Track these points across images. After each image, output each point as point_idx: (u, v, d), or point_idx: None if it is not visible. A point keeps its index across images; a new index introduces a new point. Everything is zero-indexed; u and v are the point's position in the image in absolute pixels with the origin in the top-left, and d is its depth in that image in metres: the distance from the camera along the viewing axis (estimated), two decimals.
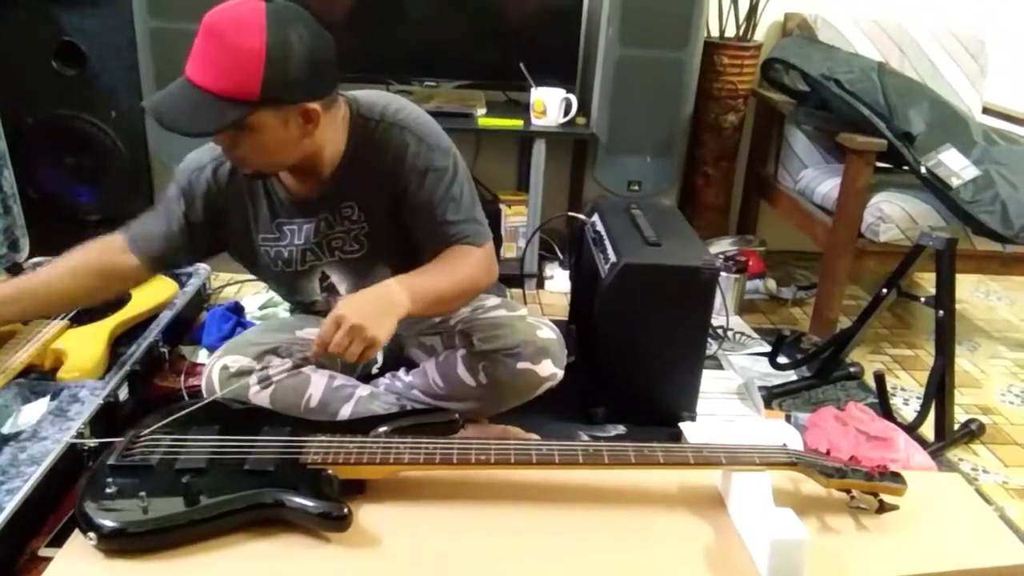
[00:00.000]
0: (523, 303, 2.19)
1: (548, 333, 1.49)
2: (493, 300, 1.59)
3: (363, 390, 1.53)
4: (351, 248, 1.47)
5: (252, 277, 2.35)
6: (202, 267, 2.12)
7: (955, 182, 2.02)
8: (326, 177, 1.41)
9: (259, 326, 1.62)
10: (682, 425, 1.71)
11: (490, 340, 1.47)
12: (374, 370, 1.65)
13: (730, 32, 2.64)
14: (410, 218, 1.42)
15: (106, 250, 1.49)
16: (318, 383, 1.49)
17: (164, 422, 1.31)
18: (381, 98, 1.43)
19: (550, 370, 1.48)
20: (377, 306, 1.26)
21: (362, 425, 1.37)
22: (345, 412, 1.49)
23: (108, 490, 1.16)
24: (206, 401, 1.40)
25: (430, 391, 1.54)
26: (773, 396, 1.91)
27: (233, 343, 1.53)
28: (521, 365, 1.46)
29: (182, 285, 2.02)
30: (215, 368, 1.47)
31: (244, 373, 1.46)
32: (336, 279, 1.52)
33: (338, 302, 1.30)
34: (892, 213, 2.10)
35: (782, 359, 2.02)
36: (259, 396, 1.46)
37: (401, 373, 1.61)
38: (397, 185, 1.40)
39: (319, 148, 1.35)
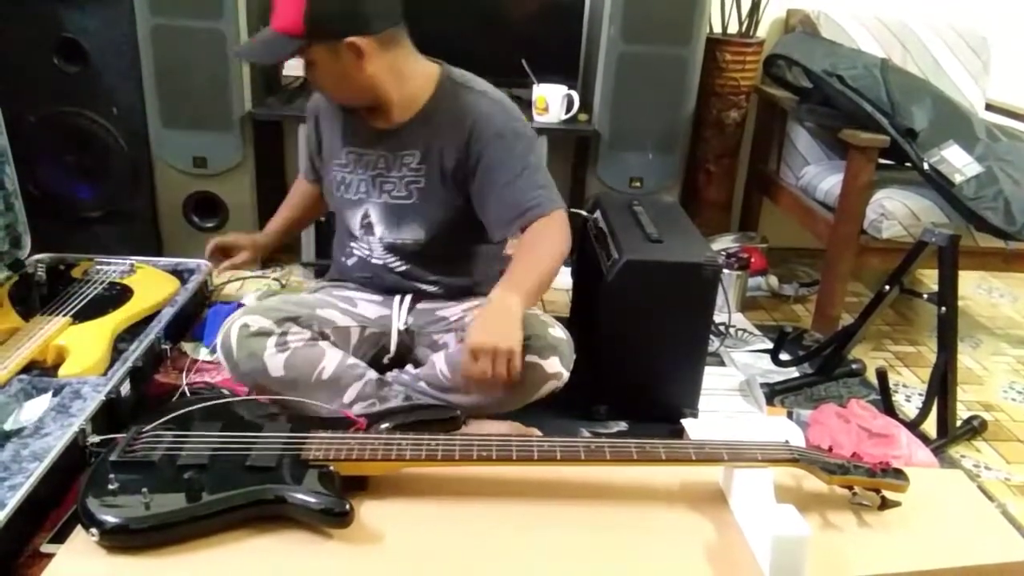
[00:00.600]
0: None
1: (559, 333, 1.51)
2: None
3: (373, 373, 1.56)
4: (399, 194, 1.57)
5: (253, 274, 2.37)
6: (203, 264, 2.12)
7: (958, 178, 2.01)
8: (398, 121, 1.53)
9: (281, 297, 1.66)
10: (684, 422, 1.71)
11: None
12: (385, 360, 1.65)
13: (732, 28, 2.64)
14: (483, 181, 1.51)
15: (303, 186, 1.81)
16: (332, 357, 1.53)
17: (166, 418, 1.32)
18: (471, 75, 1.59)
19: (556, 368, 1.48)
20: (498, 320, 1.35)
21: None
22: (353, 391, 1.51)
23: (110, 486, 1.16)
24: (208, 404, 1.41)
25: (436, 382, 1.54)
26: (775, 393, 1.91)
27: (255, 306, 1.57)
28: (529, 358, 1.45)
29: (184, 282, 2.02)
30: (235, 326, 1.49)
31: (263, 334, 1.49)
32: (375, 219, 1.60)
33: (469, 334, 1.35)
34: (894, 210, 2.09)
35: (784, 356, 2.02)
36: (274, 359, 1.48)
37: (409, 368, 1.62)
38: (473, 149, 1.50)
39: (381, 87, 1.48)
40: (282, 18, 1.41)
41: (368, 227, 1.61)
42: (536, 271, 1.44)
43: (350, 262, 1.68)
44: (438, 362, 1.55)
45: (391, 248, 1.62)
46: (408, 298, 1.65)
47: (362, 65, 1.43)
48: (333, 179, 1.62)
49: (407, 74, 1.51)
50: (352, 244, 1.66)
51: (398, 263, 1.63)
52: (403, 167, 1.55)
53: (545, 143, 2.39)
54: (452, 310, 1.64)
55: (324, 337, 1.56)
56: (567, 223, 1.51)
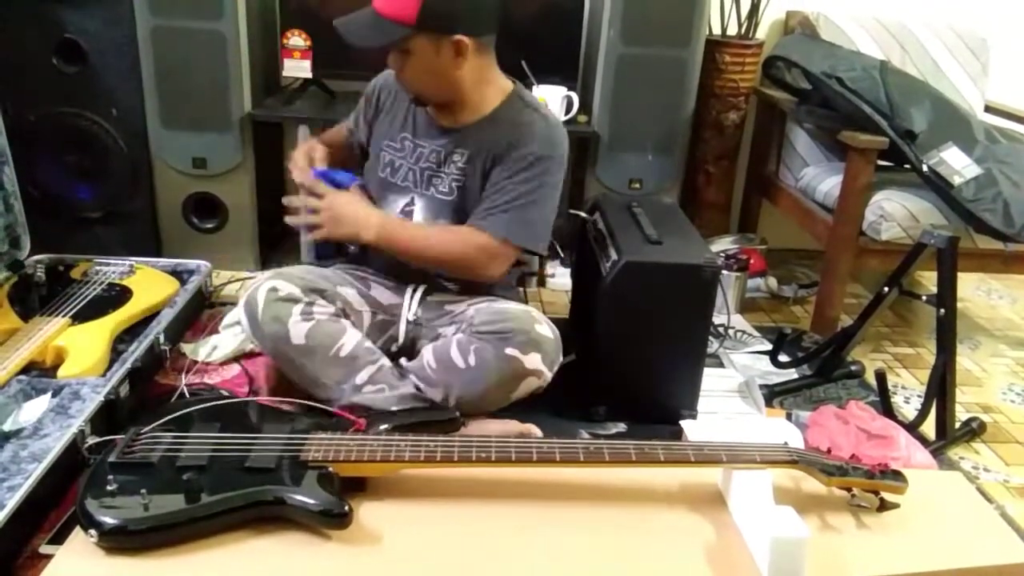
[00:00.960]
0: (524, 301, 2.19)
1: (546, 330, 1.51)
2: (511, 301, 1.64)
3: (387, 362, 1.58)
4: (443, 190, 1.61)
5: (253, 274, 2.36)
6: (203, 265, 2.12)
7: (957, 180, 2.02)
8: (464, 121, 1.59)
9: (305, 267, 1.67)
10: (683, 423, 1.71)
11: (488, 323, 1.51)
12: (393, 348, 1.66)
13: (732, 30, 2.64)
14: (491, 181, 1.57)
15: (343, 130, 1.83)
16: (353, 336, 1.56)
17: (165, 419, 1.32)
18: (545, 105, 1.65)
19: (536, 364, 1.49)
20: (351, 222, 1.55)
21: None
22: (365, 375, 1.53)
23: (109, 487, 1.16)
24: (207, 405, 1.41)
25: (422, 373, 1.55)
26: (774, 394, 1.91)
27: (283, 271, 1.59)
28: (509, 351, 1.47)
29: (183, 283, 2.02)
30: (262, 287, 1.52)
31: (291, 300, 1.52)
32: (418, 210, 1.64)
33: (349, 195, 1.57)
34: (893, 211, 2.09)
35: (783, 357, 2.02)
36: (298, 327, 1.51)
37: (402, 360, 1.63)
38: (506, 155, 1.56)
39: (464, 89, 1.54)
40: (392, 4, 1.43)
41: (408, 214, 1.65)
42: (413, 244, 1.58)
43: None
44: (426, 353, 1.56)
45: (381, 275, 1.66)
46: (421, 289, 1.67)
47: (459, 64, 1.48)
48: (381, 158, 1.67)
49: (487, 82, 1.58)
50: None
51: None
52: (451, 164, 1.60)
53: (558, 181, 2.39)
54: (459, 305, 1.64)
55: (346, 315, 1.60)
56: (498, 256, 1.57)
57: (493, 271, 1.58)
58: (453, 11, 1.45)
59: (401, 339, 1.66)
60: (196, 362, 1.81)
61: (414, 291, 1.67)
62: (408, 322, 1.65)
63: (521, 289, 1.64)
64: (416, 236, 1.59)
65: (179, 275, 2.07)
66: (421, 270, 1.66)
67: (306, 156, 1.67)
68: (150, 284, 1.97)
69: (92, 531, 1.11)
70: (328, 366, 1.52)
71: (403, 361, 1.62)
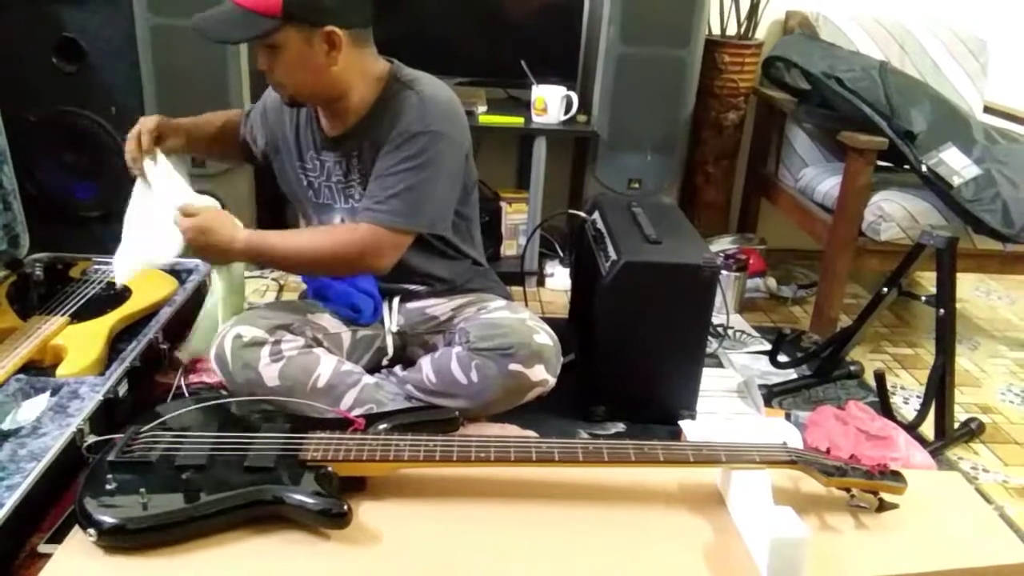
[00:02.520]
0: (523, 301, 2.20)
1: (545, 339, 1.50)
2: (498, 302, 1.62)
3: (369, 378, 1.55)
4: (360, 198, 1.54)
5: (252, 274, 2.36)
6: (202, 264, 2.12)
7: (956, 181, 2.02)
8: (350, 123, 1.50)
9: (271, 304, 1.66)
10: (682, 423, 1.71)
11: (486, 339, 1.49)
12: (384, 361, 1.65)
13: (731, 30, 2.64)
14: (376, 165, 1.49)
15: (232, 120, 1.73)
16: (327, 364, 1.51)
17: (164, 418, 1.31)
18: (424, 75, 1.53)
19: (541, 375, 1.48)
20: (218, 245, 1.45)
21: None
22: (350, 398, 1.50)
23: (108, 486, 1.16)
24: (206, 404, 1.41)
25: (422, 386, 1.54)
26: (773, 394, 1.91)
27: (246, 315, 1.55)
28: (513, 367, 1.46)
29: (182, 282, 2.01)
30: (228, 336, 1.48)
31: (257, 344, 1.48)
32: (347, 223, 1.57)
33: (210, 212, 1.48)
34: (893, 212, 2.09)
35: (782, 357, 2.02)
36: (269, 369, 1.47)
37: (397, 369, 1.62)
38: (382, 144, 1.47)
39: (346, 86, 1.45)
40: None
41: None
42: (286, 252, 1.48)
43: None
44: (425, 366, 1.55)
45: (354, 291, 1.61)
46: (396, 300, 1.65)
47: (333, 58, 1.40)
48: (300, 183, 1.61)
49: (367, 76, 1.48)
50: None
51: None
52: (355, 171, 1.53)
53: (544, 144, 2.40)
54: (441, 308, 1.64)
55: (318, 343, 1.55)
56: (384, 246, 1.45)
57: (381, 263, 1.46)
58: (323, 1, 1.36)
59: (391, 352, 1.64)
60: (196, 361, 1.80)
61: (390, 303, 1.64)
62: (393, 334, 1.63)
63: (521, 288, 1.62)
64: (287, 242, 1.48)
65: (177, 274, 2.06)
66: (385, 283, 1.61)
67: (136, 142, 1.59)
68: (149, 283, 1.97)
69: (91, 530, 1.11)
70: (310, 399, 1.48)
71: (398, 370, 1.62)
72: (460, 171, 1.53)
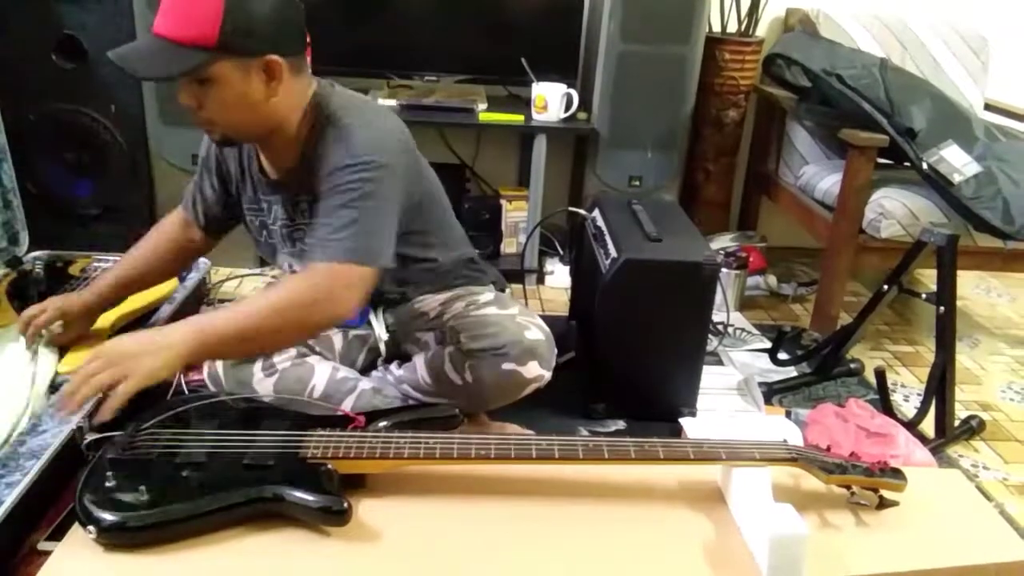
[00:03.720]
0: (523, 298, 2.19)
1: (537, 334, 1.47)
2: (487, 296, 1.57)
3: (366, 384, 1.54)
4: (303, 240, 1.44)
5: (252, 272, 2.36)
6: (202, 261, 2.12)
7: (957, 178, 2.01)
8: (286, 165, 1.39)
9: None
10: (682, 421, 1.71)
11: (477, 339, 1.47)
12: (379, 363, 1.65)
13: (732, 27, 2.64)
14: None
15: (173, 229, 1.59)
16: (322, 374, 1.49)
17: (164, 416, 1.31)
18: (341, 97, 1.39)
19: (536, 372, 1.47)
20: (144, 345, 1.20)
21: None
22: (347, 405, 1.49)
23: (108, 484, 1.16)
24: (210, 400, 1.40)
25: (419, 387, 1.54)
26: (773, 392, 1.91)
27: None
28: (507, 366, 1.45)
29: (182, 280, 2.01)
30: None
31: (248, 361, 1.47)
32: (298, 269, 1.47)
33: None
34: (893, 209, 2.09)
35: (782, 355, 2.02)
36: (263, 384, 1.46)
37: (393, 367, 1.61)
38: (323, 187, 1.34)
39: (283, 119, 1.32)
40: (186, 25, 1.20)
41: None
42: (246, 323, 1.24)
43: None
44: (419, 366, 1.55)
45: None
46: (380, 308, 1.63)
47: (273, 89, 1.28)
48: (252, 223, 1.52)
49: (301, 107, 1.35)
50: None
51: None
52: (302, 213, 1.42)
53: (544, 142, 2.40)
54: (429, 304, 1.60)
55: (311, 350, 1.54)
56: (351, 284, 1.28)
57: (347, 305, 1.28)
58: (259, 27, 1.22)
59: (384, 353, 1.63)
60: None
61: (375, 311, 1.62)
62: (383, 340, 1.61)
63: (521, 286, 1.60)
64: (238, 314, 1.25)
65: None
66: (377, 297, 1.56)
67: (34, 321, 1.46)
68: None
69: (91, 528, 1.11)
70: (309, 404, 1.46)
71: (395, 368, 1.61)
72: (399, 197, 1.37)
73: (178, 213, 1.60)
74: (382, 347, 1.62)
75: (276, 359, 1.47)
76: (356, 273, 1.28)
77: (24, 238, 2.03)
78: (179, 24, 1.21)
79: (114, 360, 1.17)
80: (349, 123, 1.34)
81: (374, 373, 1.61)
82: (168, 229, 1.60)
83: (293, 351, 1.50)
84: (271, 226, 1.50)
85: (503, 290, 1.70)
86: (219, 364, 1.46)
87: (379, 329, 1.61)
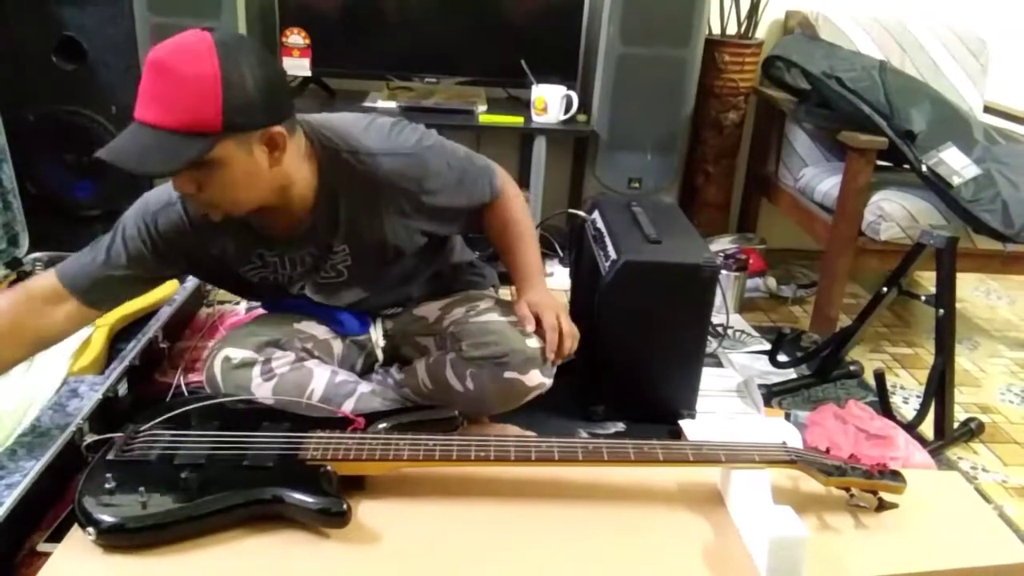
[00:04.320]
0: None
1: (538, 342, 1.46)
2: (487, 301, 1.58)
3: (364, 387, 1.53)
4: (328, 275, 1.48)
5: None
6: None
7: (956, 181, 2.02)
8: (303, 215, 1.36)
9: (257, 318, 1.61)
10: (682, 423, 1.71)
11: (478, 347, 1.46)
12: (376, 367, 1.65)
13: (731, 30, 2.64)
14: (442, 213, 1.47)
15: (32, 310, 1.34)
16: (320, 377, 1.49)
17: (163, 417, 1.31)
18: (337, 125, 1.37)
19: (538, 380, 1.46)
20: (551, 295, 1.49)
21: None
22: (347, 408, 1.49)
23: (107, 485, 1.16)
24: (210, 402, 1.40)
25: (419, 391, 1.54)
26: (773, 394, 1.91)
27: (233, 334, 1.52)
28: (508, 374, 1.45)
29: (181, 281, 2.01)
30: (217, 359, 1.46)
31: (247, 365, 1.46)
32: (309, 292, 1.51)
33: (537, 308, 1.45)
34: (893, 211, 2.09)
35: (782, 357, 2.02)
36: (261, 388, 1.45)
37: (393, 370, 1.61)
38: (409, 206, 1.41)
39: (289, 181, 1.29)
40: (183, 111, 1.13)
41: (303, 296, 1.53)
42: (535, 251, 1.54)
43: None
44: (420, 371, 1.54)
45: (335, 308, 1.57)
46: (380, 318, 1.64)
47: (277, 157, 1.23)
48: (246, 279, 1.47)
49: (302, 159, 1.30)
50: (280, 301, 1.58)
51: (350, 309, 1.60)
52: (332, 255, 1.44)
53: (544, 143, 2.40)
54: (429, 308, 1.61)
55: (309, 354, 1.53)
56: (509, 179, 1.56)
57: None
58: (258, 101, 1.16)
59: (381, 359, 1.63)
60: (195, 359, 1.80)
61: (373, 320, 1.62)
62: (381, 347, 1.62)
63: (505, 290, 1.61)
64: (530, 245, 1.56)
65: None
66: (364, 315, 1.60)
67: None
68: None
69: (90, 529, 1.11)
70: (308, 407, 1.46)
71: (395, 372, 1.61)
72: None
73: (43, 290, 1.35)
74: (379, 352, 1.62)
75: (274, 364, 1.47)
76: (502, 172, 1.56)
77: (24, 239, 2.03)
78: (175, 111, 1.13)
79: (559, 309, 1.46)
80: (371, 144, 1.36)
81: (373, 376, 1.61)
82: (23, 313, 1.34)
83: (292, 355, 1.50)
84: (280, 276, 1.46)
85: (495, 293, 1.71)
86: (217, 369, 1.45)
87: (376, 336, 1.62)
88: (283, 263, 1.44)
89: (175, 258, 1.39)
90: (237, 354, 1.46)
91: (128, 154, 1.16)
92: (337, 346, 1.59)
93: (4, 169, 1.97)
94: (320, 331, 1.57)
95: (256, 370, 1.46)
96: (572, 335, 1.46)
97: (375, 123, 1.41)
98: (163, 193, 1.37)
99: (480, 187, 1.50)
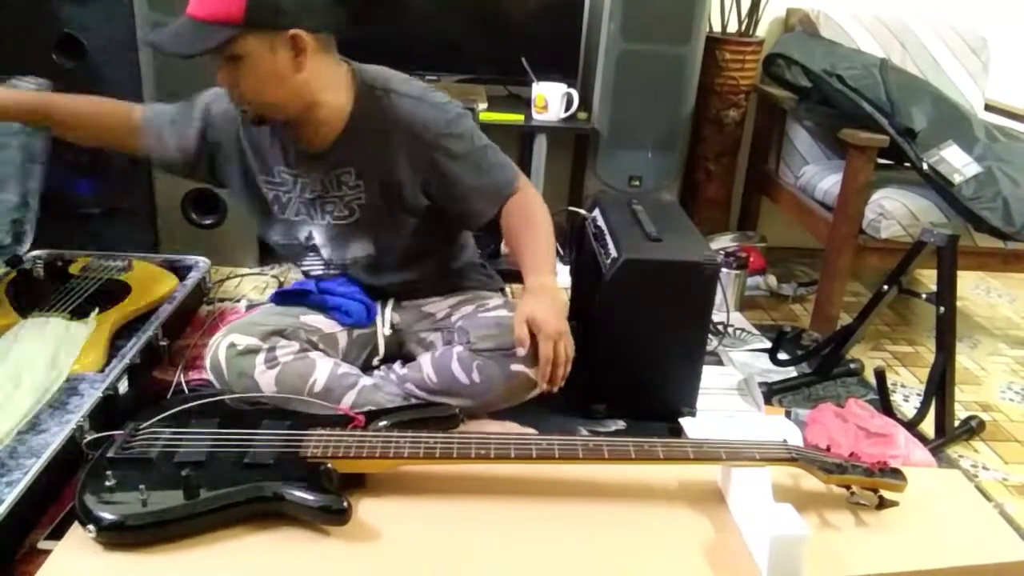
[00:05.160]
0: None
1: (532, 372, 1.46)
2: (496, 299, 1.61)
3: (367, 380, 1.54)
4: (341, 214, 1.51)
5: (252, 271, 2.36)
6: (202, 261, 2.12)
7: (957, 179, 2.01)
8: (328, 138, 1.44)
9: (264, 309, 1.63)
10: (682, 421, 1.71)
11: (488, 339, 1.48)
12: (375, 362, 1.65)
13: (732, 27, 2.64)
14: (451, 182, 1.48)
15: (121, 118, 1.54)
16: (323, 368, 1.50)
17: (163, 415, 1.31)
18: (384, 71, 1.48)
19: None
20: (558, 313, 1.39)
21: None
22: (348, 400, 1.49)
23: (107, 483, 1.16)
24: (210, 399, 1.40)
25: (423, 385, 1.54)
26: (773, 392, 1.91)
27: (239, 323, 1.54)
28: (515, 367, 1.46)
29: (182, 279, 2.01)
30: (222, 345, 1.47)
31: (251, 352, 1.47)
32: (319, 241, 1.55)
33: (537, 325, 1.36)
34: (893, 209, 2.09)
35: (782, 355, 2.02)
36: (264, 376, 1.46)
37: (396, 366, 1.62)
38: (423, 157, 1.46)
39: (316, 96, 1.38)
40: (213, 3, 1.27)
41: (313, 248, 1.58)
42: (548, 244, 1.49)
43: (312, 275, 1.65)
44: (425, 365, 1.55)
45: (344, 268, 1.61)
46: (390, 301, 1.65)
47: (299, 64, 1.33)
48: (263, 197, 1.55)
49: (337, 84, 1.42)
50: (304, 261, 1.63)
51: (358, 276, 1.62)
52: (342, 186, 1.49)
53: (544, 141, 2.40)
54: (438, 305, 1.63)
55: (313, 346, 1.54)
56: (530, 183, 1.57)
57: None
58: (283, 2, 1.28)
59: (382, 352, 1.64)
60: (196, 357, 1.80)
61: (383, 305, 1.64)
62: (386, 336, 1.63)
63: (521, 285, 1.62)
64: (546, 243, 1.51)
65: (178, 271, 2.06)
66: (372, 289, 1.62)
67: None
68: (149, 280, 1.97)
69: (90, 526, 1.11)
70: (307, 403, 1.47)
71: (398, 367, 1.61)
72: None
73: (134, 116, 1.54)
74: (381, 343, 1.62)
75: (279, 352, 1.48)
76: (522, 174, 1.56)
77: (29, 239, 2.03)
78: (206, 2, 1.27)
79: (561, 335, 1.37)
80: (412, 90, 1.46)
81: (376, 372, 1.62)
82: (114, 114, 1.55)
83: (296, 345, 1.51)
84: (291, 198, 1.53)
85: (504, 293, 1.72)
86: (222, 355, 1.46)
87: (383, 327, 1.62)
88: (295, 183, 1.51)
89: (216, 144, 1.52)
90: (242, 341, 1.47)
91: (161, 36, 1.33)
92: (343, 340, 1.60)
93: (37, 171, 1.98)
94: (326, 325, 1.58)
95: (260, 357, 1.47)
96: (567, 359, 1.39)
97: (419, 83, 1.50)
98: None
99: (497, 176, 1.51)
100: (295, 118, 1.41)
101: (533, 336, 1.38)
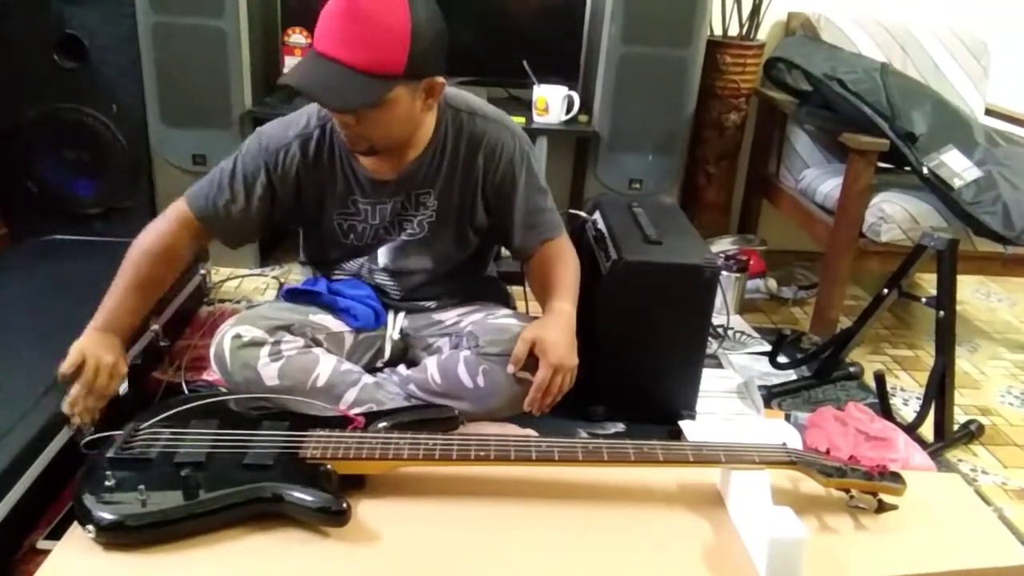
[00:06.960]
0: (524, 300, 2.19)
1: (520, 391, 1.47)
2: (506, 311, 1.63)
3: (369, 378, 1.55)
4: (413, 231, 1.55)
5: (252, 272, 2.36)
6: (202, 261, 2.12)
7: (957, 183, 2.02)
8: (408, 160, 1.46)
9: (272, 304, 1.64)
10: (682, 423, 1.71)
11: (495, 344, 1.49)
12: (379, 364, 1.65)
13: (733, 31, 2.64)
14: (505, 207, 1.54)
15: (176, 235, 1.45)
16: (327, 364, 1.50)
17: (164, 415, 1.31)
18: (460, 92, 1.52)
19: None
20: (568, 345, 1.42)
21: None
22: (349, 397, 1.50)
23: (107, 483, 1.16)
24: (210, 400, 1.40)
25: (426, 386, 1.54)
26: (773, 395, 1.91)
27: (246, 315, 1.54)
28: (522, 374, 1.46)
29: (182, 279, 2.01)
30: (227, 336, 1.47)
31: (256, 344, 1.47)
32: (381, 251, 1.58)
33: (543, 347, 1.40)
34: (893, 213, 2.09)
35: (782, 358, 2.02)
36: (268, 368, 1.46)
37: (400, 368, 1.62)
38: (491, 178, 1.51)
39: (420, 126, 1.42)
40: (374, 54, 1.23)
41: (372, 258, 1.59)
42: (575, 281, 1.54)
43: (337, 279, 1.65)
44: (430, 367, 1.55)
45: (394, 274, 1.61)
46: (402, 312, 1.66)
47: (430, 105, 1.37)
48: (335, 228, 1.55)
49: (431, 109, 1.44)
50: (344, 265, 1.63)
51: (396, 288, 1.63)
52: (420, 206, 1.52)
53: (545, 144, 2.40)
54: (447, 314, 1.64)
55: (317, 344, 1.55)
56: (571, 243, 1.63)
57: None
58: (434, 52, 1.29)
59: (387, 356, 1.64)
60: (196, 358, 1.80)
61: (396, 313, 1.65)
62: (393, 340, 1.63)
63: (521, 288, 1.62)
64: (573, 282, 1.55)
65: None
66: (398, 301, 1.64)
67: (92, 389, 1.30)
68: None
69: (90, 527, 1.11)
70: (309, 398, 1.47)
71: (402, 369, 1.62)
72: None
73: (178, 222, 1.46)
74: (388, 347, 1.63)
75: (283, 346, 1.49)
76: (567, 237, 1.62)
77: None
78: (366, 52, 1.23)
79: (563, 366, 1.40)
80: (491, 113, 1.51)
81: (379, 374, 1.62)
82: (171, 244, 1.45)
83: (301, 341, 1.51)
84: (366, 227, 1.54)
85: (512, 304, 1.75)
86: (226, 346, 1.46)
87: (393, 331, 1.63)
88: (373, 213, 1.52)
89: (286, 194, 1.49)
90: (248, 332, 1.48)
91: (315, 86, 1.25)
92: (348, 340, 1.60)
93: None
94: (334, 324, 1.59)
95: (265, 350, 1.47)
96: (559, 393, 1.43)
97: (493, 106, 1.54)
98: (280, 131, 1.49)
99: (546, 219, 1.57)
100: (394, 147, 1.43)
101: (533, 357, 1.40)
